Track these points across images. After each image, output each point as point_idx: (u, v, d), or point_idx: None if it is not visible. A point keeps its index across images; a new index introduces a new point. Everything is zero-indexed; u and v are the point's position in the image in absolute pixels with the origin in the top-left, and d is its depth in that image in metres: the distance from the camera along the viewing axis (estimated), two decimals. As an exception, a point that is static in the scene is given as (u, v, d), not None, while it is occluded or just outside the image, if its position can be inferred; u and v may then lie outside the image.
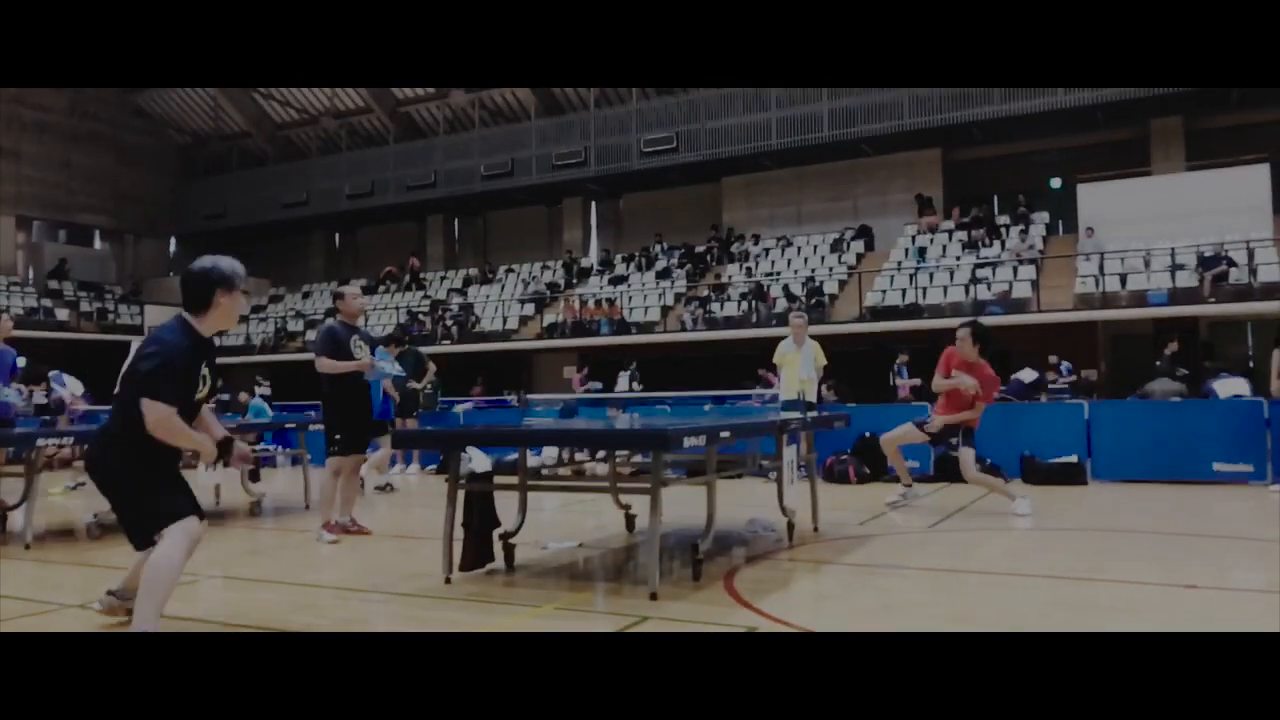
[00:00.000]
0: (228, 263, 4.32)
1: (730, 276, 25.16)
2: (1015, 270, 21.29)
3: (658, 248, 28.13)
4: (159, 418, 4.01)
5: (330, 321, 7.98)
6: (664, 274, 26.44)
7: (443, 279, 31.31)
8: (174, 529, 4.04)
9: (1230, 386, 12.54)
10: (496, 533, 6.08)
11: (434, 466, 13.98)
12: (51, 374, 13.15)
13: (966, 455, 8.65)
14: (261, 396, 19.03)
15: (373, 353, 7.96)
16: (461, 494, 5.92)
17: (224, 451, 4.37)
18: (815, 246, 25.65)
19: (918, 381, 15.57)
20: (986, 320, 19.21)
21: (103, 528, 8.02)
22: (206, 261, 4.29)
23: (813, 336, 11.36)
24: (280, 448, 15.33)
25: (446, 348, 24.91)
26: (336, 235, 36.42)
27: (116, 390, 4.28)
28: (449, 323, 27.05)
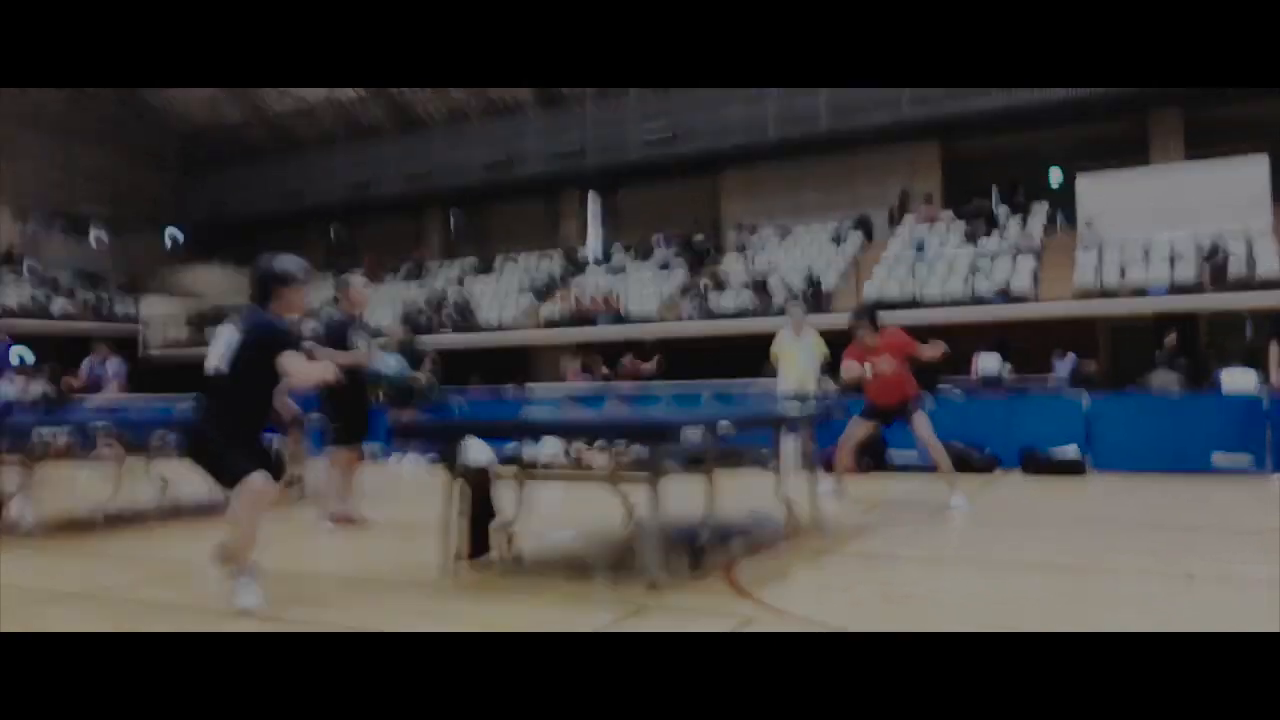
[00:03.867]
0: (283, 260, 5.05)
1: (729, 270, 25.13)
2: (1014, 262, 21.29)
3: (656, 240, 28.11)
4: (294, 365, 4.80)
5: (330, 313, 8.00)
6: (663, 266, 26.42)
7: (442, 266, 31.29)
8: (251, 476, 4.63)
9: (1237, 377, 12.54)
10: (495, 523, 6.07)
11: (433, 457, 13.96)
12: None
13: (925, 419, 8.61)
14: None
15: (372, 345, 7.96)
16: (461, 484, 5.91)
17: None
18: (814, 239, 25.62)
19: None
20: (985, 310, 19.29)
21: (102, 518, 8.01)
22: (264, 261, 5.04)
23: (812, 327, 11.33)
24: (276, 435, 15.26)
25: (445, 339, 24.89)
26: (335, 227, 36.34)
27: (218, 373, 4.90)
28: (448, 314, 27.03)
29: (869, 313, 8.91)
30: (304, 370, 4.90)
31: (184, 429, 5.15)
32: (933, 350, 8.72)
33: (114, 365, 12.48)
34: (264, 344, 4.79)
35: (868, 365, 8.60)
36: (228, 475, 4.73)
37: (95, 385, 12.34)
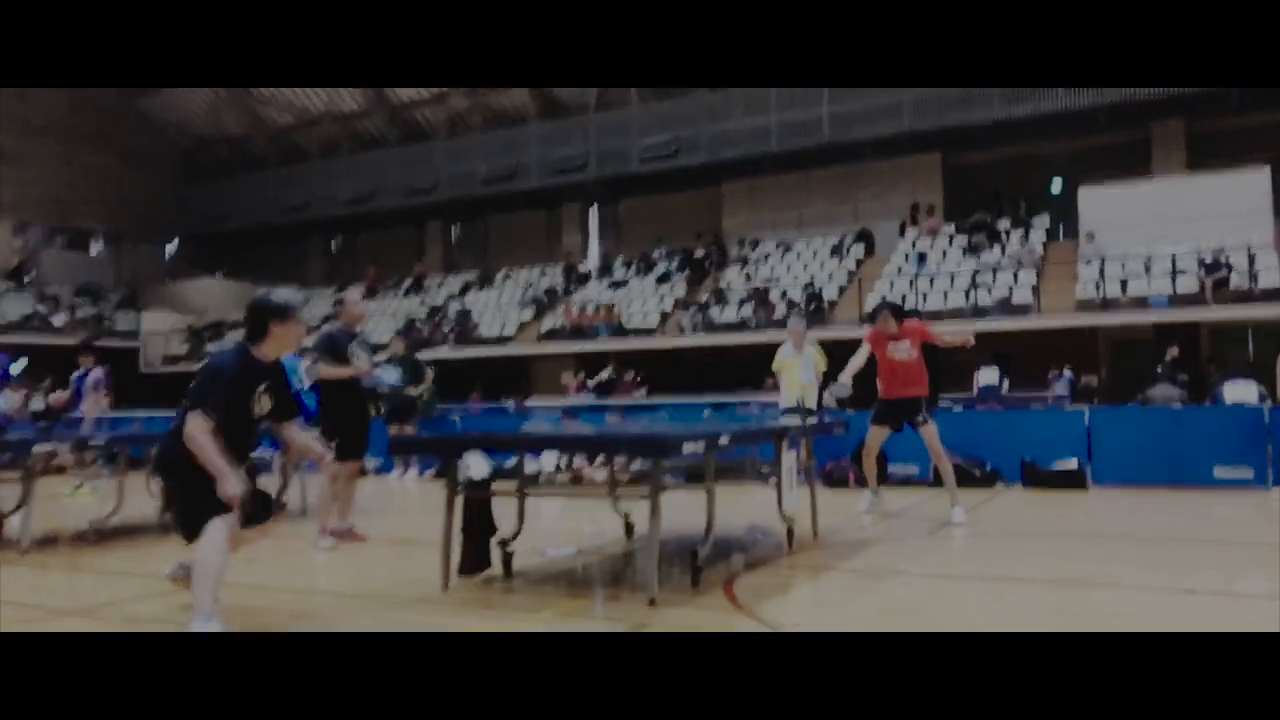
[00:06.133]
0: (283, 295, 4.77)
1: (729, 282, 25.13)
2: (1016, 275, 21.28)
3: (657, 252, 28.11)
4: (190, 428, 4.35)
5: (329, 326, 7.99)
6: (663, 279, 26.42)
7: (441, 284, 31.31)
8: (215, 522, 4.33)
9: (1239, 390, 12.51)
10: (494, 539, 6.05)
11: (432, 472, 13.93)
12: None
13: (934, 430, 8.51)
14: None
15: (371, 360, 7.96)
16: (460, 500, 5.88)
17: (243, 502, 4.41)
18: (815, 251, 25.62)
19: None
20: (987, 323, 19.32)
21: (99, 534, 7.97)
22: (264, 294, 4.77)
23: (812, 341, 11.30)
24: (276, 452, 15.24)
25: (445, 353, 24.89)
26: (336, 240, 36.42)
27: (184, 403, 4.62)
28: (447, 328, 27.03)
29: (893, 306, 8.94)
30: (194, 437, 4.33)
31: (158, 448, 4.86)
32: (957, 337, 8.68)
33: (95, 375, 12.28)
34: (194, 387, 4.48)
35: (895, 346, 8.57)
36: (186, 522, 4.47)
37: (78, 397, 12.22)
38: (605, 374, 19.23)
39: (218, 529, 4.32)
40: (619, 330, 24.23)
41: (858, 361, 8.62)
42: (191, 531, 4.43)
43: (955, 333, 8.69)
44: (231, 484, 4.30)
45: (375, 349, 8.69)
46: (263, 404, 4.68)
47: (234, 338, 30.28)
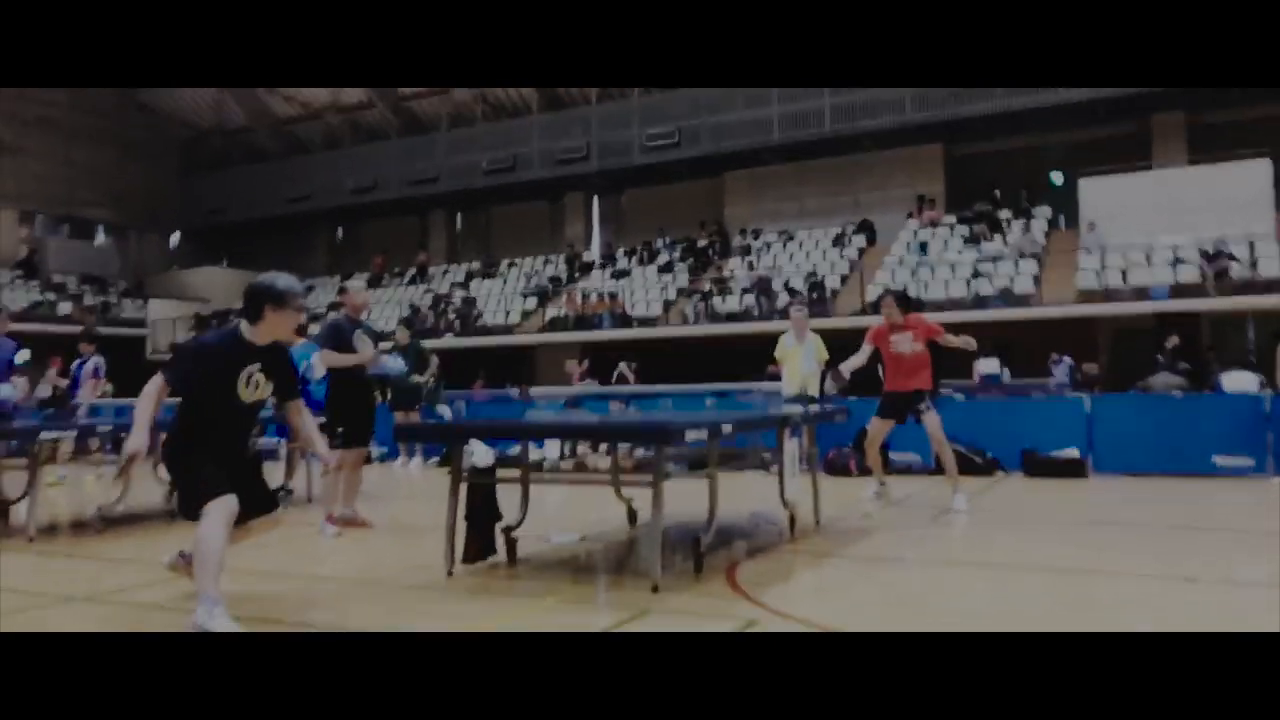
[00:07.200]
0: (284, 281, 4.70)
1: (732, 271, 25.15)
2: (1017, 265, 21.30)
3: (660, 242, 28.12)
4: (147, 387, 4.48)
5: (334, 316, 8.04)
6: (666, 268, 26.44)
7: (445, 273, 31.34)
8: (211, 506, 4.30)
9: (1238, 380, 12.53)
10: (499, 525, 6.10)
11: (436, 459, 13.98)
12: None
13: (937, 419, 8.50)
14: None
15: (376, 347, 8.00)
16: (464, 487, 5.93)
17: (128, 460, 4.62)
18: (817, 241, 25.64)
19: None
20: (988, 313, 19.35)
21: (105, 521, 8.02)
22: (265, 278, 4.70)
23: (814, 330, 11.32)
24: (283, 440, 15.29)
25: (449, 342, 24.93)
26: (339, 230, 36.42)
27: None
28: (451, 317, 27.07)
29: (897, 294, 8.96)
30: (143, 391, 4.49)
31: (163, 435, 4.82)
32: (960, 341, 8.69)
33: (91, 364, 12.35)
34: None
35: (898, 338, 8.57)
36: (185, 502, 4.56)
37: (77, 384, 12.31)
38: (622, 373, 19.24)
39: (215, 512, 4.29)
40: (622, 320, 24.26)
41: (858, 359, 8.64)
42: (190, 510, 4.46)
43: (960, 341, 8.68)
44: (135, 440, 4.39)
45: (380, 337, 8.73)
46: (257, 386, 4.64)
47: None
